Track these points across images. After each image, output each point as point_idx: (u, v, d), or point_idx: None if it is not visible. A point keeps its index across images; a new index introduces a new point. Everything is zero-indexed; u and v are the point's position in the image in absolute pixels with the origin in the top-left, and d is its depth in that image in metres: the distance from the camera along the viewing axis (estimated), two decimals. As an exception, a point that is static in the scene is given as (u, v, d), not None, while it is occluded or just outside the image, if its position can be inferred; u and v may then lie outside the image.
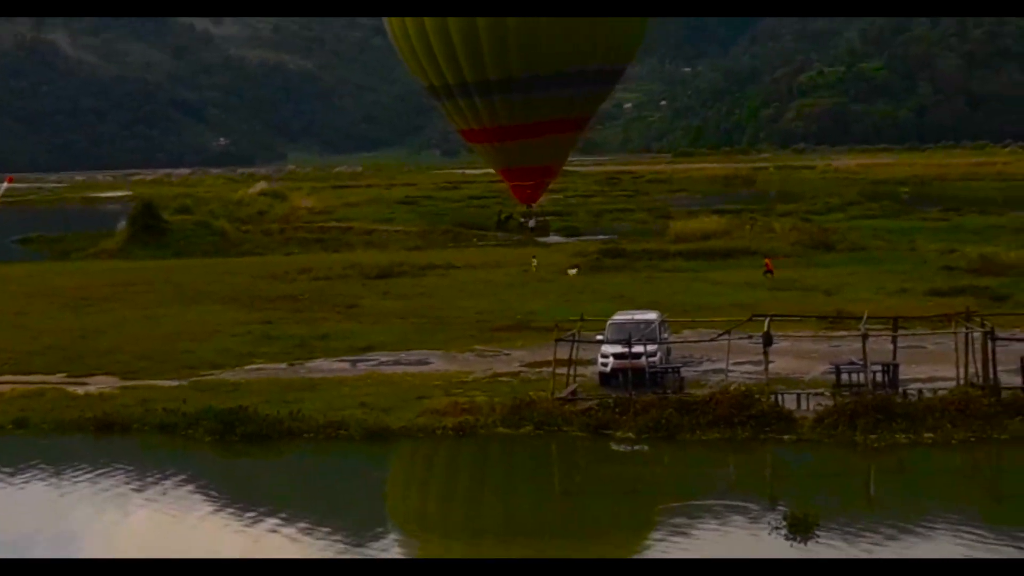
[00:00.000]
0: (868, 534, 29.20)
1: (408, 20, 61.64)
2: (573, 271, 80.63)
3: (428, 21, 60.61)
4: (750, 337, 44.43)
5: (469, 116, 64.49)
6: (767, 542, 28.78)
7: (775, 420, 38.34)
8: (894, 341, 44.29)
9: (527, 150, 65.45)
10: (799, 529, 29.10)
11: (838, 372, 42.99)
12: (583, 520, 32.57)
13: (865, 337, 41.40)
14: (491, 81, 59.96)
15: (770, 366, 41.84)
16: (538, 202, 75.09)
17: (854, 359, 43.21)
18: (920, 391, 40.77)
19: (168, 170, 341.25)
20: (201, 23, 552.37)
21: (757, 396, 39.55)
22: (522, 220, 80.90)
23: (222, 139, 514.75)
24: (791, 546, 28.45)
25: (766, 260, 77.52)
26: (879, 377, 41.85)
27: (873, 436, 36.89)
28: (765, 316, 43.58)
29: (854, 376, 42.19)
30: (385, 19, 65.76)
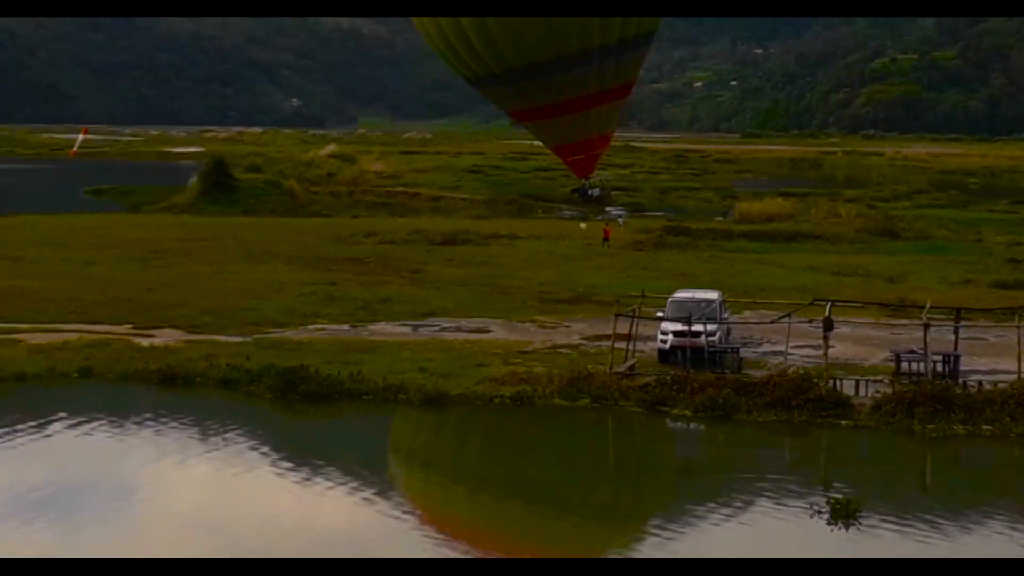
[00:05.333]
0: (918, 524, 28.95)
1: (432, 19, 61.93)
2: (584, 226, 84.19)
3: (444, 21, 60.86)
4: (811, 321, 44.10)
5: (509, 100, 64.92)
6: (807, 526, 28.57)
7: (832, 405, 38.09)
8: (956, 332, 43.83)
9: (571, 125, 65.61)
10: (841, 515, 28.90)
11: (898, 360, 42.69)
12: (635, 496, 32.58)
13: (927, 326, 41.10)
14: (517, 68, 60.25)
15: (830, 351, 41.55)
16: (594, 173, 75.27)
17: (915, 348, 42.86)
18: (980, 383, 40.36)
19: (241, 128, 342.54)
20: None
21: (815, 380, 39.30)
22: (589, 191, 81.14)
23: (294, 100, 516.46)
24: (831, 531, 28.25)
25: (605, 228, 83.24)
26: (939, 367, 41.50)
27: (931, 426, 36.56)
28: (827, 301, 43.30)
29: (914, 365, 41.88)
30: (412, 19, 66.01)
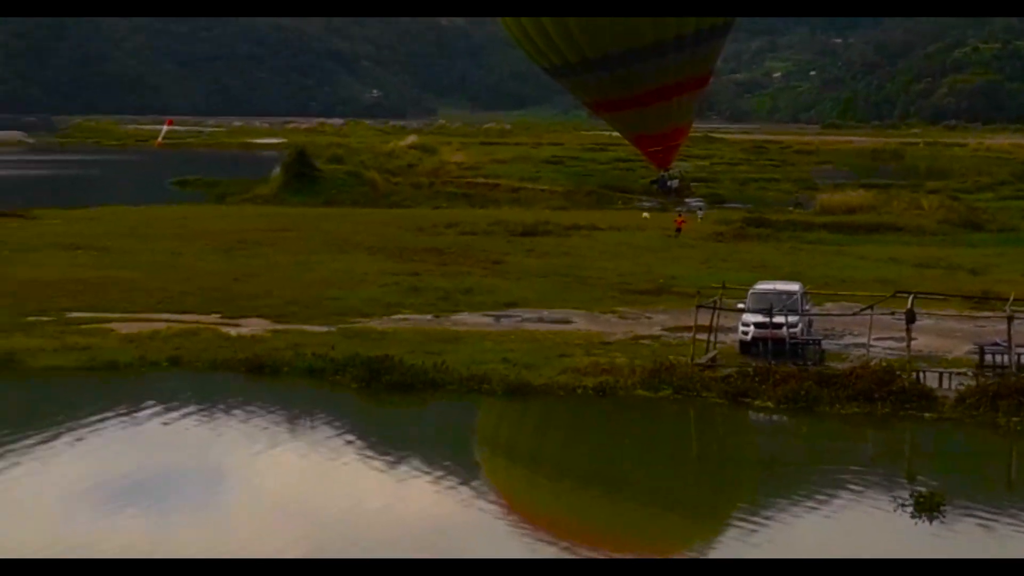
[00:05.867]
0: (1003, 519, 28.85)
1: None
2: (646, 215, 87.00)
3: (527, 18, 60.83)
4: (893, 313, 43.92)
5: (586, 91, 64.90)
6: (892, 520, 28.54)
7: (916, 398, 37.93)
8: (1041, 324, 43.47)
9: (649, 117, 65.35)
10: (925, 508, 28.85)
11: (982, 353, 42.41)
12: (717, 487, 32.67)
13: (1011, 319, 40.76)
14: (592, 59, 60.13)
15: (912, 343, 41.36)
16: (673, 164, 75.14)
17: (999, 340, 42.51)
18: (1065, 376, 40.01)
19: (321, 119, 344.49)
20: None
21: (898, 373, 39.16)
22: (668, 182, 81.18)
23: (374, 91, 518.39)
24: (915, 525, 28.22)
25: (677, 218, 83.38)
26: (1024, 360, 41.22)
27: (1016, 419, 36.33)
28: (909, 293, 43.13)
29: (998, 358, 41.61)
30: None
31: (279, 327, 48.60)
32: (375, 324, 49.53)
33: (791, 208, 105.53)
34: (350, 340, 45.56)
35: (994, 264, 68.23)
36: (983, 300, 51.36)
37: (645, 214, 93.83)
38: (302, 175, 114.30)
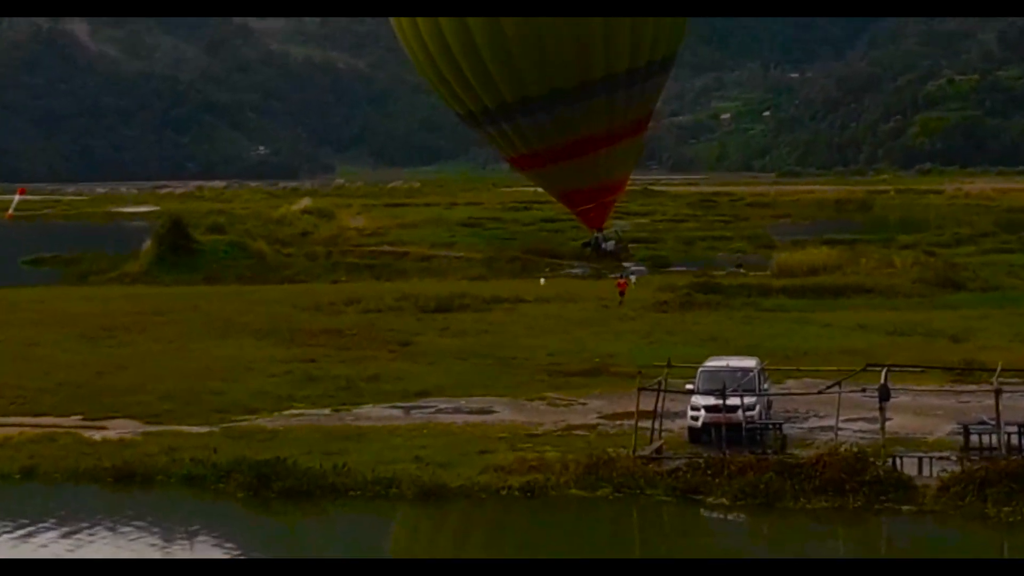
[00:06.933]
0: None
1: (427, 45, 62.06)
2: (543, 281, 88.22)
3: (437, 48, 60.95)
4: (864, 390, 44.15)
5: (505, 143, 64.88)
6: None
7: (893, 487, 38.12)
8: (1033, 398, 43.95)
9: (578, 170, 65.41)
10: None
11: (967, 433, 42.69)
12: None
13: (999, 392, 41.04)
14: (511, 104, 60.11)
15: (887, 424, 41.61)
16: (608, 223, 75.46)
17: (985, 418, 42.81)
18: (1063, 457, 40.36)
19: (200, 182, 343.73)
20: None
21: (872, 459, 39.33)
22: (603, 244, 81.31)
23: (261, 148, 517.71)
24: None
25: (619, 281, 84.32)
26: (1015, 439, 41.48)
27: (1007, 508, 36.56)
28: (882, 366, 43.41)
29: (985, 438, 41.88)
30: (403, 46, 66.15)
31: (151, 428, 48.16)
32: (264, 422, 49.20)
33: (736, 269, 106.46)
34: (235, 441, 45.21)
35: (978, 329, 68.92)
36: (966, 372, 51.81)
37: (541, 280, 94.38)
38: (177, 248, 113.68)
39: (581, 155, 64.01)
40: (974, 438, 42.28)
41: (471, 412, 50.75)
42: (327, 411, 51.25)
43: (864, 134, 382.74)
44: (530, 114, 61.47)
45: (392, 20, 64.49)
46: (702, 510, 38.26)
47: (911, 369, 49.72)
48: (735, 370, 46.08)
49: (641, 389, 43.32)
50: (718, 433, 42.71)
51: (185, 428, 48.00)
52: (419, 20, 61.21)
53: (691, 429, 44.59)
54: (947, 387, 51.06)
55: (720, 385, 43.65)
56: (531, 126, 62.19)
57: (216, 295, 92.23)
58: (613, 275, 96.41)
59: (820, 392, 45.21)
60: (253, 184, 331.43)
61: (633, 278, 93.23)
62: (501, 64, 60.00)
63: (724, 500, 38.34)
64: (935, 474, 39.50)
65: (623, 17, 60.47)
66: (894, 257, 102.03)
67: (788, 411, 48.23)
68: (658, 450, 42.70)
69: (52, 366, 61.23)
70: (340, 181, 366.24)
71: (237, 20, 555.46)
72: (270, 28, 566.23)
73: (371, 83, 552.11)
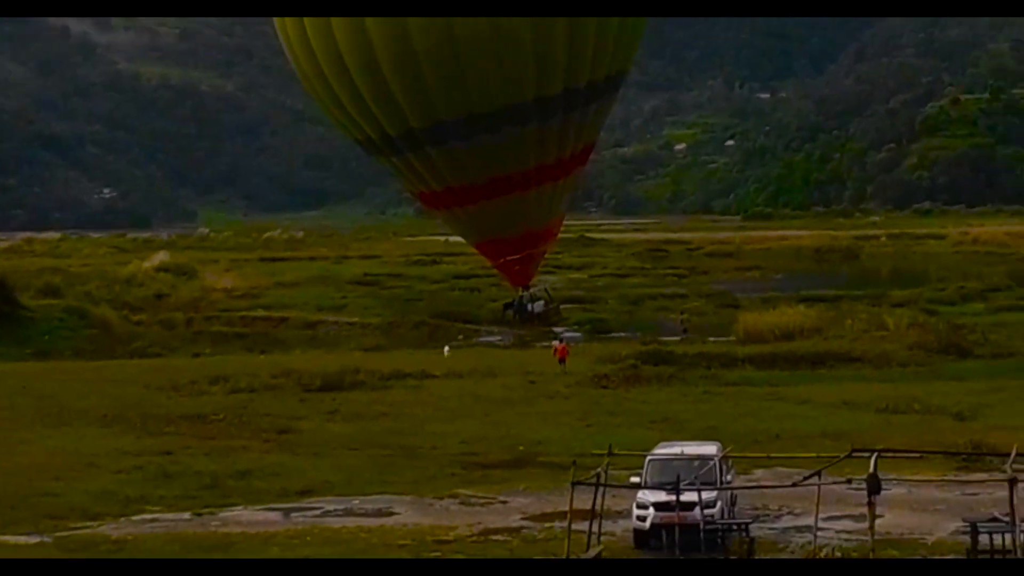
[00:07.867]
0: None
1: (316, 54, 61.87)
2: (447, 351, 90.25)
3: (328, 57, 60.75)
4: (849, 481, 44.45)
5: (413, 176, 63.97)
6: None
7: (884, 602, 38.36)
8: (1054, 488, 44.32)
9: (501, 213, 64.93)
10: None
11: (974, 532, 42.92)
12: None
13: (1013, 482, 41.36)
14: (421, 130, 59.77)
15: (877, 523, 41.85)
16: (535, 279, 75.56)
17: (996, 514, 43.16)
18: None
19: (29, 234, 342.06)
20: (79, 26, 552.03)
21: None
22: (529, 305, 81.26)
23: (106, 190, 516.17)
24: None
25: (557, 346, 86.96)
26: (1032, 539, 41.86)
27: (1024, 626, 36.87)
28: (871, 451, 43.65)
29: (997, 538, 42.15)
30: (291, 61, 65.95)
31: (-33, 540, 47.88)
32: (109, 529, 48.89)
33: (681, 332, 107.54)
34: (72, 554, 44.92)
35: (987, 405, 69.47)
36: (974, 457, 52.17)
37: (446, 349, 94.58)
38: (2, 316, 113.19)
39: (506, 194, 63.48)
40: (983, 538, 42.45)
41: (366, 514, 50.67)
42: (187, 515, 51.01)
43: (849, 167, 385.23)
44: (442, 142, 60.91)
45: (276, 22, 64.13)
46: (652, 632, 38.35)
47: (907, 455, 50.07)
48: (691, 458, 46.15)
49: (576, 483, 43.35)
50: (670, 536, 42.81)
51: (9, 539, 47.62)
52: (306, 21, 60.71)
53: (637, 532, 44.64)
54: (950, 476, 51.42)
55: (673, 477, 43.74)
56: (444, 157, 61.65)
57: (50, 373, 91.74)
58: (544, 343, 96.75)
59: (795, 484, 45.32)
60: (96, 235, 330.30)
61: (556, 343, 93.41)
62: (408, 80, 59.63)
63: (678, 621, 38.48)
64: (936, 584, 39.82)
65: (559, 19, 60.06)
66: (886, 318, 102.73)
67: (756, 508, 48.45)
68: (597, 558, 42.79)
69: None
70: (204, 230, 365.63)
71: (76, 32, 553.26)
72: (117, 43, 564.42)
73: (242, 110, 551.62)
